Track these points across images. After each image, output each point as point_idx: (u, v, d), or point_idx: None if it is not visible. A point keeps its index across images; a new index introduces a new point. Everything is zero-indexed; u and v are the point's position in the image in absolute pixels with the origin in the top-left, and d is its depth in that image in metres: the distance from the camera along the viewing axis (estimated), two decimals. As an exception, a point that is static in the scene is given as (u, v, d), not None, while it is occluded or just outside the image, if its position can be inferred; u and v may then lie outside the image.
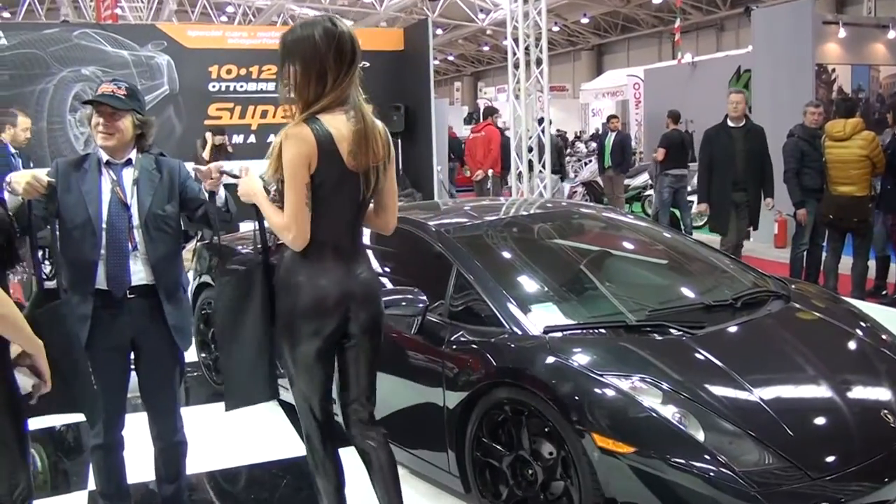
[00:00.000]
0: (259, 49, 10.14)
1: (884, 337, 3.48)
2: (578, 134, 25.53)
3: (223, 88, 10.11)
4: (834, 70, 9.78)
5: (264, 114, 10.37)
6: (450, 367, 3.23)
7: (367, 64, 9.45)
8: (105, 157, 2.94)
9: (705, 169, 7.13)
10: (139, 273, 2.91)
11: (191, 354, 5.34)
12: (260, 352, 2.75)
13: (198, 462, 3.92)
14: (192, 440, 3.26)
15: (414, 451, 3.52)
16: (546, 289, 3.51)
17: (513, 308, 3.25)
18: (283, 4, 24.80)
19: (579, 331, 3.16)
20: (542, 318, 3.19)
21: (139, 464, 3.35)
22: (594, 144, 18.27)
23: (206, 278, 5.10)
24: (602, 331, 3.17)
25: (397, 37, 11.11)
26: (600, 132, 20.00)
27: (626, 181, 13.09)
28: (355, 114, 2.54)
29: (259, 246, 2.82)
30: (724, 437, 2.64)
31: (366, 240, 4.35)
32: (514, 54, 10.49)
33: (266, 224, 2.74)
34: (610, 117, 13.57)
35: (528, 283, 3.54)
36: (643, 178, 13.27)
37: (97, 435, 3.02)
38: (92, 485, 3.22)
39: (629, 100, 21.45)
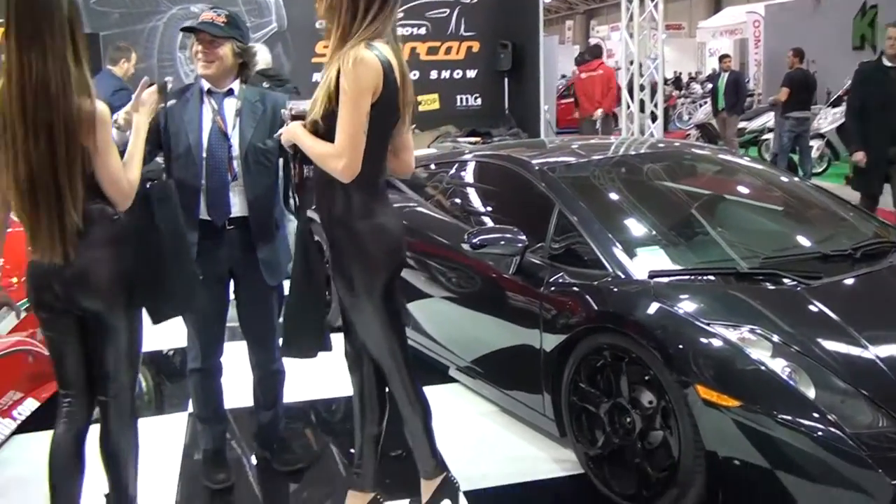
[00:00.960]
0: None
1: None
2: (694, 75, 24.52)
3: (330, 25, 10.10)
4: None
5: (371, 50, 10.34)
6: (548, 309, 3.17)
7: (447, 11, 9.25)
8: (207, 85, 2.95)
9: (856, 113, 6.34)
10: (238, 204, 2.95)
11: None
12: (305, 307, 2.65)
13: (296, 391, 3.99)
14: (291, 370, 3.32)
15: (508, 392, 3.51)
16: (653, 232, 3.36)
17: (617, 251, 3.14)
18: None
19: (686, 277, 3.02)
20: (647, 263, 3.07)
21: (238, 390, 3.46)
22: (710, 85, 17.55)
23: (311, 213, 5.16)
24: (710, 278, 3.02)
25: (507, -28, 10.82)
26: (716, 73, 19.24)
27: (742, 124, 12.53)
28: (394, 45, 2.44)
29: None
30: (835, 395, 2.49)
31: (469, 176, 4.35)
32: None
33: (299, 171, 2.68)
34: (722, 57, 12.98)
35: (635, 226, 3.41)
36: (761, 120, 12.66)
37: (195, 359, 3.12)
38: (191, 407, 3.33)
39: (748, 38, 20.37)
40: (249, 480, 3.34)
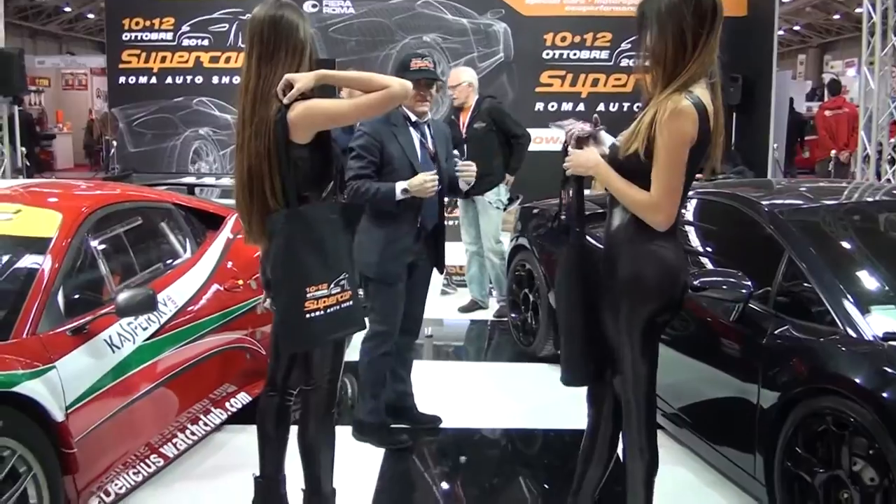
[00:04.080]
0: (595, 16, 10.08)
1: None
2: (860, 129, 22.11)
3: (556, 56, 10.22)
4: None
5: (595, 82, 10.32)
6: (769, 362, 2.97)
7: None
8: (413, 117, 3.62)
9: None
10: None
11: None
12: (574, 334, 2.64)
13: (486, 417, 4.15)
14: (484, 394, 3.77)
15: (717, 447, 3.31)
16: (890, 289, 3.07)
17: (849, 306, 2.88)
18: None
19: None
20: (882, 323, 2.80)
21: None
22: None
23: (523, 241, 5.22)
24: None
25: (740, 1, 10.39)
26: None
27: None
28: (714, 86, 2.40)
29: (562, 219, 2.78)
30: None
31: (690, 214, 4.20)
32: (870, 18, 9.25)
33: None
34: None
35: (871, 281, 3.11)
36: None
37: (383, 344, 3.70)
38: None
39: None
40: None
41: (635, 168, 2.37)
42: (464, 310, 6.25)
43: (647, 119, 2.35)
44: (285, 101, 2.47)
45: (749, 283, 3.08)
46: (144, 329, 3.14)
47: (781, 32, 30.26)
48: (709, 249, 3.87)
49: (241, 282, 3.88)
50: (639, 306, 2.44)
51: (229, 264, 3.89)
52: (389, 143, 3.55)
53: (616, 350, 2.52)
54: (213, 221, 4.17)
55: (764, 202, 3.58)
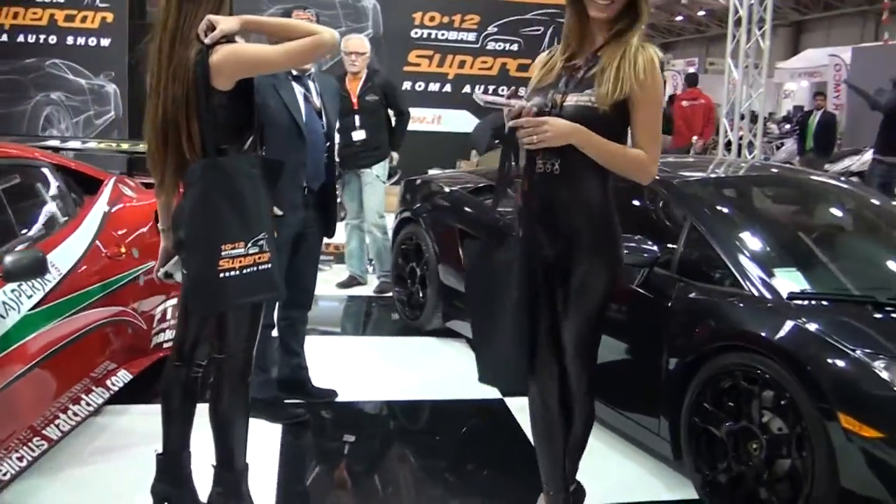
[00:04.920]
0: (463, -2, 10.13)
1: None
2: (768, 115, 24.11)
3: (425, 35, 10.19)
4: None
5: (462, 64, 10.37)
6: (675, 324, 3.08)
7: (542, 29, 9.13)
8: (295, 70, 3.41)
9: None
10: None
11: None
12: (521, 335, 2.43)
13: (378, 390, 4.08)
14: (372, 368, 3.70)
15: (628, 414, 3.38)
16: (788, 254, 3.26)
17: (754, 268, 3.03)
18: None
19: (825, 302, 2.92)
20: (785, 284, 2.97)
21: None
22: (787, 126, 17.20)
23: (410, 214, 5.16)
24: (848, 304, 2.92)
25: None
26: (793, 114, 18.85)
27: (826, 166, 12.22)
28: None
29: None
30: None
31: None
32: (737, 12, 9.88)
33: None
34: (816, 94, 12.71)
35: (769, 245, 3.28)
36: (843, 164, 12.33)
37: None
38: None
39: (828, 82, 19.95)
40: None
41: (601, 124, 2.27)
42: (342, 285, 6.13)
43: (624, 70, 2.25)
44: (207, 41, 2.30)
45: (655, 248, 3.18)
46: (29, 297, 2.83)
47: (679, 18, 31.58)
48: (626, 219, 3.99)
49: (123, 250, 3.60)
50: (613, 276, 2.43)
51: (111, 231, 3.60)
52: (269, 98, 3.30)
53: (572, 331, 2.42)
54: (89, 185, 3.85)
55: (663, 174, 3.71)
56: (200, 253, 2.37)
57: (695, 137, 10.34)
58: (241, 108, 2.42)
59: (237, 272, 2.34)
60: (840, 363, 2.57)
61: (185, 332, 2.65)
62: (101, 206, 3.66)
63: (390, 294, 5.57)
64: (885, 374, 2.50)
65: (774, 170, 4.25)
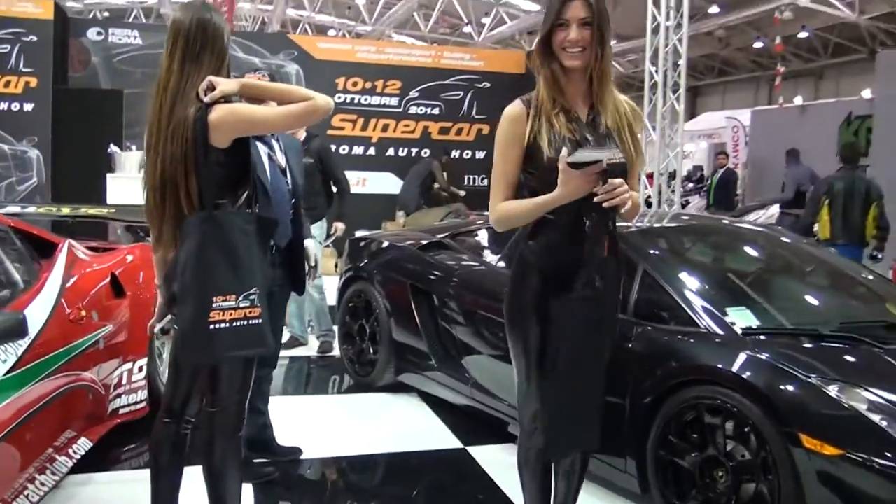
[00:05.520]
0: (385, 64, 10.43)
1: None
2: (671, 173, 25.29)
3: (348, 100, 10.41)
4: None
5: (385, 127, 10.63)
6: (636, 363, 3.25)
7: (489, 84, 9.65)
8: None
9: None
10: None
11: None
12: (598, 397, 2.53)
13: (342, 446, 4.10)
14: (332, 425, 3.83)
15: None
16: (734, 294, 3.51)
17: (709, 307, 3.26)
18: (384, 31, 25.40)
19: (775, 335, 3.15)
20: (736, 321, 3.20)
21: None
22: (690, 184, 18.10)
23: (358, 272, 5.23)
24: (796, 337, 3.15)
25: (519, 60, 11.27)
26: (692, 173, 19.88)
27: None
28: None
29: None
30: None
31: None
32: (652, 78, 10.55)
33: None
34: (718, 153, 13.50)
35: (718, 286, 3.53)
36: (751, 217, 13.09)
37: None
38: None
39: (727, 143, 21.14)
40: None
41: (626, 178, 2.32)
42: (284, 347, 6.10)
43: (629, 120, 2.43)
44: (206, 100, 2.39)
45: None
46: (4, 361, 2.78)
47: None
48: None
49: (83, 313, 3.55)
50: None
51: (71, 294, 3.55)
52: (260, 153, 3.41)
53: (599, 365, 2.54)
54: (43, 249, 3.80)
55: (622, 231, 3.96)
56: (192, 303, 2.41)
57: None
58: (237, 164, 2.50)
59: (227, 325, 2.39)
60: (798, 389, 2.78)
61: (175, 388, 2.65)
62: (59, 269, 3.61)
63: (332, 353, 5.57)
64: (839, 397, 2.72)
65: (708, 221, 4.55)
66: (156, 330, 2.72)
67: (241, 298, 2.41)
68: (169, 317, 2.65)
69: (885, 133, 9.44)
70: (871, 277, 4.09)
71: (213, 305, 2.37)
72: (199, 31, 2.47)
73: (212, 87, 2.39)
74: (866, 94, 14.37)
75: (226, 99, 2.41)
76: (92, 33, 9.43)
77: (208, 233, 2.41)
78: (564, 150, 2.25)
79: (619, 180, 2.23)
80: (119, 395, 3.86)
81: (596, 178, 2.23)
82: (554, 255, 2.41)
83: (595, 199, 2.24)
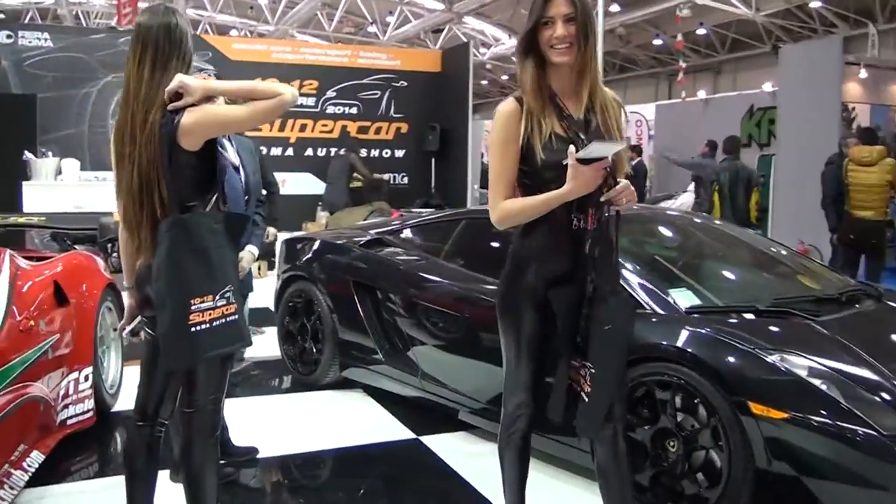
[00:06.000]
0: (302, 64, 10.38)
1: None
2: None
3: (265, 101, 10.28)
4: (854, 108, 10.20)
5: (303, 128, 10.58)
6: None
7: (405, 83, 9.77)
8: None
9: None
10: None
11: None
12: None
13: (296, 444, 4.12)
14: (282, 424, 3.96)
15: (551, 435, 3.66)
16: (675, 276, 3.72)
17: (653, 288, 3.45)
18: (287, 30, 25.15)
19: (717, 313, 3.36)
20: (680, 301, 3.40)
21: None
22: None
23: (297, 272, 5.25)
24: (736, 314, 3.37)
25: (435, 58, 11.40)
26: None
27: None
28: None
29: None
30: (863, 404, 2.83)
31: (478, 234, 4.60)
32: None
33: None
34: (631, 147, 13.97)
35: (660, 268, 3.74)
36: (661, 205, 13.64)
37: None
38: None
39: (631, 137, 21.88)
40: None
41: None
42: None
43: (618, 115, 2.50)
44: (170, 107, 2.40)
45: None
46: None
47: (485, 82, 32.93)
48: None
49: (32, 322, 3.47)
50: None
51: (19, 303, 3.46)
52: (227, 153, 3.49)
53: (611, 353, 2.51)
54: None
55: None
56: (170, 309, 2.41)
57: None
58: (206, 167, 2.51)
59: (207, 325, 2.41)
60: (743, 360, 2.99)
61: (148, 391, 2.65)
62: (4, 278, 3.52)
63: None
64: (781, 364, 2.94)
65: (637, 210, 4.76)
66: (125, 333, 2.71)
67: (217, 297, 2.43)
68: (139, 319, 2.65)
69: (788, 123, 10.01)
70: (785, 253, 4.40)
71: (192, 308, 2.38)
72: (166, 37, 2.48)
73: (178, 95, 2.40)
74: (767, 87, 15.13)
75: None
76: (1, 36, 9.05)
77: (178, 236, 2.42)
78: (572, 147, 2.32)
79: (624, 182, 2.36)
80: (67, 406, 3.79)
81: (604, 173, 2.32)
82: (548, 251, 2.48)
83: (602, 198, 2.36)
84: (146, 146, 2.41)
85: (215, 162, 2.55)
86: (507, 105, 2.48)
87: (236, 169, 3.60)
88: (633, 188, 2.40)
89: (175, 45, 2.48)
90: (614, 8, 21.20)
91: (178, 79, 2.40)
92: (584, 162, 2.28)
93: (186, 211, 2.46)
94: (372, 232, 5.25)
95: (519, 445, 2.64)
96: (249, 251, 3.98)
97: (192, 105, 2.42)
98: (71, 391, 3.84)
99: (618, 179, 2.40)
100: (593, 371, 2.40)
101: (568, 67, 2.43)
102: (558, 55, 2.40)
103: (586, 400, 2.42)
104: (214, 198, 2.56)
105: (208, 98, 2.47)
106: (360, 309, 4.75)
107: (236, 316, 2.48)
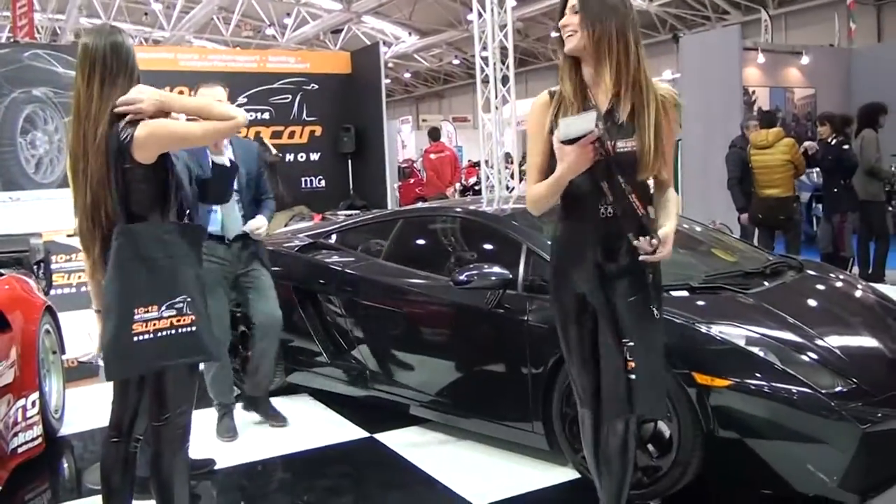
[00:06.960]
0: (210, 71, 10.22)
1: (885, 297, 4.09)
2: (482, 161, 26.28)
3: (175, 111, 10.10)
4: (754, 92, 10.74)
5: (216, 136, 10.43)
6: (534, 335, 3.57)
7: (316, 86, 9.74)
8: None
9: None
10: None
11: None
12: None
13: (251, 452, 4.15)
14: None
15: (494, 419, 3.83)
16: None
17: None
18: (183, 36, 24.64)
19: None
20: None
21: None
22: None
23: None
24: (671, 293, 3.59)
25: (344, 60, 11.41)
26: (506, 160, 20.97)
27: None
28: None
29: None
30: (800, 366, 3.09)
31: (418, 231, 4.70)
32: (483, 70, 11.17)
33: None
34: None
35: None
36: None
37: None
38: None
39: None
40: None
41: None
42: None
43: (654, 110, 2.49)
44: (127, 119, 2.44)
45: (507, 272, 3.68)
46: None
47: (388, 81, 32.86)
48: (464, 254, 4.45)
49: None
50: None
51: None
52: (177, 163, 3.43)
53: (648, 340, 2.64)
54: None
55: (500, 214, 4.36)
56: (114, 317, 2.43)
57: (452, 188, 11.23)
58: (159, 180, 2.53)
59: (151, 335, 2.42)
60: (685, 334, 3.21)
61: (123, 407, 2.66)
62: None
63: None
64: (720, 335, 3.17)
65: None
66: (95, 355, 2.71)
67: (163, 308, 2.44)
68: None
69: (690, 109, 10.47)
70: (710, 233, 4.67)
71: (135, 317, 2.40)
72: (113, 55, 2.53)
73: (129, 104, 2.43)
74: (667, 74, 15.68)
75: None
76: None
77: (122, 245, 2.45)
78: (556, 131, 2.44)
79: (662, 250, 2.44)
80: (16, 434, 3.72)
81: (593, 148, 2.39)
82: (569, 253, 2.68)
83: (640, 258, 2.45)
84: (96, 161, 2.44)
85: (168, 175, 2.57)
86: (539, 98, 2.63)
87: (235, 168, 3.56)
88: (668, 251, 2.46)
89: (122, 63, 2.54)
90: (511, 3, 21.56)
91: (137, 88, 2.44)
92: (568, 143, 2.36)
93: (137, 222, 2.49)
94: (302, 236, 5.29)
95: (589, 426, 2.80)
96: (260, 217, 4.27)
97: (147, 118, 2.45)
98: (19, 419, 3.77)
99: (612, 151, 2.46)
100: (631, 345, 2.56)
101: (588, 56, 2.51)
102: (567, 42, 2.52)
103: (634, 377, 2.56)
104: (173, 211, 2.58)
105: (165, 113, 2.51)
106: (302, 313, 4.80)
107: (193, 328, 2.48)
